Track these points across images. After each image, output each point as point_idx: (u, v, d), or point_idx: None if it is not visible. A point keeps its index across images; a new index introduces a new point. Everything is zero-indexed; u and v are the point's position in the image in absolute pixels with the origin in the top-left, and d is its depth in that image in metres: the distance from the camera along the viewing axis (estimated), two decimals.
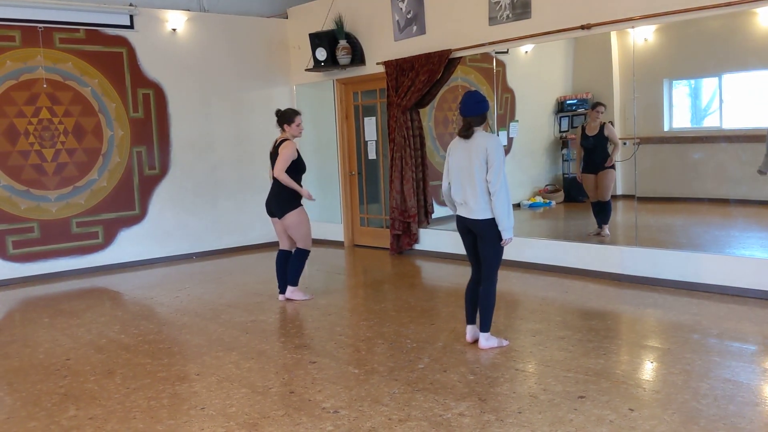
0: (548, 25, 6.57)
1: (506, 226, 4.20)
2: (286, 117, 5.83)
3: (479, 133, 4.24)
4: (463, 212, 4.34)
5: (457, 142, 4.36)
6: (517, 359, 4.21)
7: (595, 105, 7.79)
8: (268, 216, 6.05)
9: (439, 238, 8.05)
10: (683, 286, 5.81)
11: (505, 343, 4.43)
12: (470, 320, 4.55)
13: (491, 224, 4.23)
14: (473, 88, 9.24)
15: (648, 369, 4.05)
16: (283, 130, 5.88)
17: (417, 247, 8.22)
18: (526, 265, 7.05)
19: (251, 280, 7.19)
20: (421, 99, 7.87)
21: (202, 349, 4.73)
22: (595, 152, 7.75)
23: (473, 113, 4.22)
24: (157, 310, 6.16)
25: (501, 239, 4.25)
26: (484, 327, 4.38)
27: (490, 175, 4.15)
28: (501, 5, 6.95)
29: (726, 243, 7.51)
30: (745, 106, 9.54)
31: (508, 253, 7.16)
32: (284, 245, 6.05)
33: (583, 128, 7.91)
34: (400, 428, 3.25)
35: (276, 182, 5.82)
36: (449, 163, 4.39)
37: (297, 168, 5.79)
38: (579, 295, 5.92)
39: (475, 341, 4.47)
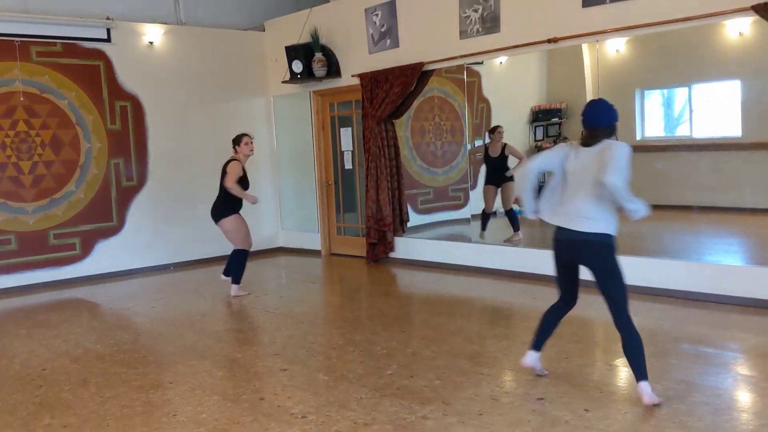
0: (516, 38, 6.76)
1: (631, 206, 3.50)
2: (236, 140, 6.68)
3: (607, 141, 3.62)
4: (570, 225, 3.65)
5: (577, 147, 3.70)
6: (484, 364, 4.35)
7: (494, 129, 8.42)
8: None
9: (415, 247, 8.19)
10: (650, 291, 5.97)
11: (657, 399, 3.54)
12: (536, 346, 3.98)
13: (605, 241, 3.58)
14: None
15: (607, 372, 4.21)
16: (236, 150, 6.63)
17: (393, 255, 8.35)
18: (497, 272, 7.18)
19: (227, 290, 7.26)
20: (395, 110, 8.02)
21: (176, 358, 4.82)
22: (497, 169, 8.32)
23: (601, 124, 3.64)
24: (133, 320, 6.23)
25: (615, 257, 3.59)
26: (641, 375, 3.53)
27: (609, 174, 3.44)
28: (471, 19, 7.13)
29: (693, 249, 7.72)
30: (714, 116, 9.82)
31: (479, 261, 7.37)
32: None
33: (486, 149, 8.37)
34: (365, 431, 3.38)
35: (219, 193, 6.65)
36: (565, 169, 3.73)
37: (241, 183, 6.51)
38: (547, 301, 6.05)
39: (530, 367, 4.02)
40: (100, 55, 8.24)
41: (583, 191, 3.63)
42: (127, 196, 8.48)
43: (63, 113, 7.97)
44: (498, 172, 8.35)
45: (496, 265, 7.26)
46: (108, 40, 8.29)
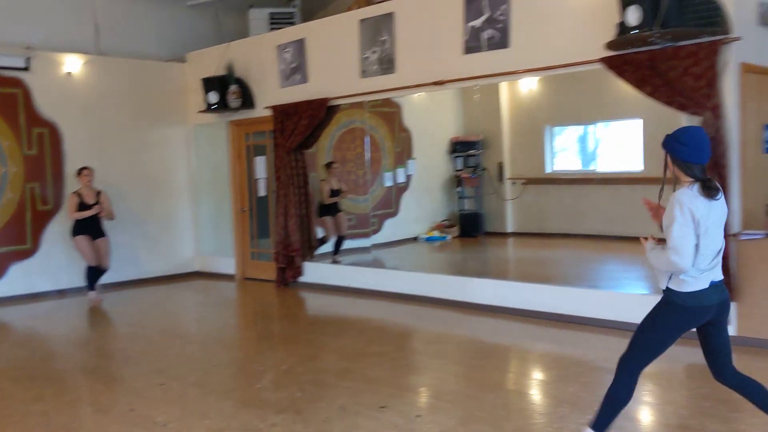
0: (409, 79, 7.31)
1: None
2: (77, 172, 8.09)
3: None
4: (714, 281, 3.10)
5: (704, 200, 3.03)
6: (348, 378, 4.77)
7: (329, 164, 9.10)
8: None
9: (322, 271, 8.60)
10: (549, 317, 6.18)
11: None
12: None
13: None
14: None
15: (449, 383, 4.69)
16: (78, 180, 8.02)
17: (301, 279, 8.73)
18: (394, 296, 7.62)
19: (132, 312, 7.55)
20: (304, 141, 8.47)
21: (64, 374, 5.11)
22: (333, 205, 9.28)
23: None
24: (34, 339, 6.47)
25: (661, 310, 3.17)
26: (594, 423, 3.25)
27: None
28: (370, 60, 7.67)
29: (594, 277, 8.25)
30: (617, 152, 10.60)
31: (378, 285, 7.80)
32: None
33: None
34: None
35: None
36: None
37: (81, 208, 7.92)
38: (431, 322, 6.56)
39: None
40: (18, 83, 8.47)
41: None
42: (42, 219, 8.67)
43: None
44: (332, 206, 9.28)
45: (393, 288, 7.70)
46: (26, 68, 8.55)
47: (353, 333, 6.33)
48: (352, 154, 10.36)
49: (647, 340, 3.15)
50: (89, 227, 8.05)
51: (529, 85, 10.82)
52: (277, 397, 4.42)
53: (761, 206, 5.30)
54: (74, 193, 7.95)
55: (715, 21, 5.07)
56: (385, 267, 9.48)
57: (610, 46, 5.53)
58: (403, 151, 11.40)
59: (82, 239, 7.98)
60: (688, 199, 2.99)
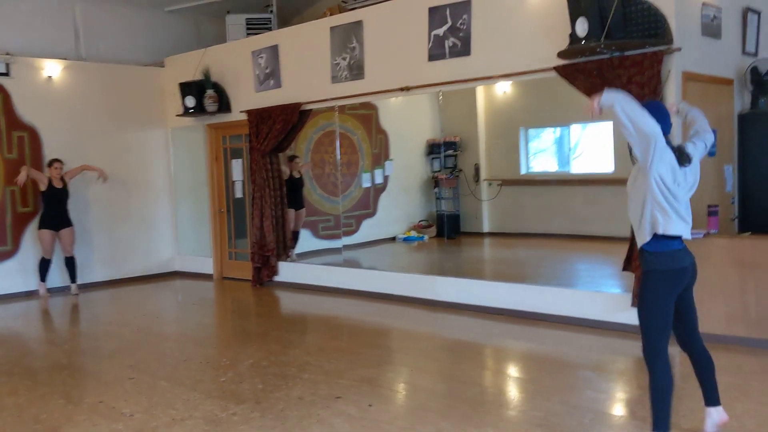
0: (378, 85, 7.57)
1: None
2: (48, 163, 8.67)
3: None
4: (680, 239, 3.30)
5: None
6: (308, 371, 5.02)
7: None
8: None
9: (296, 271, 8.84)
10: (526, 315, 6.39)
11: None
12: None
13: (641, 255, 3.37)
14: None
15: (405, 375, 4.95)
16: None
17: (277, 279, 8.97)
18: (364, 294, 7.87)
19: (110, 311, 7.77)
20: (278, 144, 8.71)
21: (38, 370, 5.34)
22: (297, 191, 9.45)
23: None
24: (11, 338, 6.67)
25: (649, 279, 3.30)
26: (653, 424, 3.26)
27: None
28: (341, 66, 7.92)
29: (561, 275, 8.48)
30: (589, 154, 10.90)
31: (349, 283, 8.04)
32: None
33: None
34: (179, 426, 4.00)
35: None
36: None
37: (46, 197, 8.56)
38: (395, 318, 6.83)
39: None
40: None
41: None
42: (22, 221, 8.86)
43: None
44: (296, 195, 9.46)
45: (363, 287, 7.95)
46: (7, 74, 8.74)
47: (320, 329, 6.58)
48: (330, 157, 10.59)
49: (650, 320, 3.25)
50: (55, 219, 8.63)
51: (504, 88, 11.09)
52: (240, 388, 4.67)
53: (704, 208, 5.58)
54: (47, 176, 8.60)
55: (658, 32, 5.36)
56: (359, 267, 9.73)
57: (562, 55, 5.81)
58: (381, 153, 11.64)
59: (45, 233, 8.53)
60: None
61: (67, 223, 8.71)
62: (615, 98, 3.14)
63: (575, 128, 10.88)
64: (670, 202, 3.21)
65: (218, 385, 4.77)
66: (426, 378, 4.85)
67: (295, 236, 9.56)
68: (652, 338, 3.24)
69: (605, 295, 6.15)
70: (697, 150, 3.41)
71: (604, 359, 5.08)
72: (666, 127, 3.28)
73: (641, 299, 3.31)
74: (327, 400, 4.34)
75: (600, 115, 3.17)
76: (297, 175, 9.51)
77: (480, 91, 11.25)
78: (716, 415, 3.51)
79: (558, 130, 11.13)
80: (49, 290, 8.87)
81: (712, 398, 3.50)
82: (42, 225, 8.55)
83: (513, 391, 4.61)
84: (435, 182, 12.07)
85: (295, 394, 4.50)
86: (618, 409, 4.16)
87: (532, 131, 11.39)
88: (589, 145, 10.98)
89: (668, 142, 3.25)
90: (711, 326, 5.34)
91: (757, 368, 4.73)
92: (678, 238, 3.28)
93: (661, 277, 3.25)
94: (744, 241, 5.34)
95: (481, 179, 11.63)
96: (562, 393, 4.36)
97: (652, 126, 3.13)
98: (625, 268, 5.73)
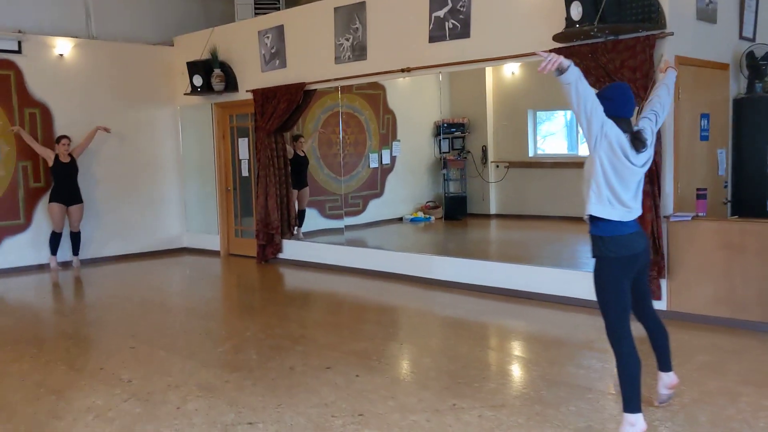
0: (380, 66, 7.68)
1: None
2: (56, 140, 8.96)
3: None
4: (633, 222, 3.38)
5: None
6: (301, 343, 5.21)
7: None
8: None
9: (300, 249, 9.03)
10: (539, 297, 6.72)
11: None
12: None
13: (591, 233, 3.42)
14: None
15: (394, 349, 5.13)
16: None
17: (281, 256, 9.17)
18: (365, 272, 8.04)
19: (117, 284, 8.00)
20: (283, 124, 8.85)
21: (44, 339, 5.57)
22: (301, 170, 9.62)
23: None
24: (22, 308, 6.93)
25: (600, 263, 3.37)
26: (623, 405, 3.31)
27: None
28: (344, 47, 8.03)
29: (560, 257, 8.59)
30: None
31: (350, 261, 8.21)
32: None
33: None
34: (174, 392, 4.20)
35: None
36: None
37: (55, 172, 8.85)
38: (391, 295, 6.99)
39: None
40: (11, 65, 8.87)
41: None
42: (34, 196, 9.11)
43: None
44: (300, 174, 9.62)
45: (363, 265, 8.13)
46: (19, 51, 8.94)
47: (318, 305, 6.77)
48: (337, 137, 10.73)
49: (608, 304, 3.31)
50: (65, 194, 8.87)
51: (512, 70, 11.11)
52: (236, 358, 4.87)
53: (694, 191, 5.66)
54: (55, 153, 8.90)
55: (651, 17, 5.41)
56: (363, 246, 9.88)
57: (557, 38, 5.88)
58: (388, 133, 11.72)
59: (54, 206, 8.82)
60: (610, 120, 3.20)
61: (77, 199, 8.97)
62: (577, 77, 3.10)
63: None
64: (611, 187, 3.25)
65: (215, 355, 4.97)
66: (414, 352, 5.02)
67: (301, 215, 9.73)
68: (614, 321, 3.30)
69: None
70: (651, 126, 3.46)
71: (590, 337, 5.21)
72: (628, 109, 3.35)
73: (597, 285, 3.35)
74: (317, 371, 4.52)
75: (545, 73, 3.09)
76: (302, 154, 9.64)
77: (489, 72, 11.28)
78: (667, 378, 3.67)
79: (569, 113, 11.16)
80: (60, 264, 9.13)
81: (665, 364, 3.65)
82: (52, 198, 8.81)
83: (495, 365, 4.77)
84: (443, 163, 12.15)
85: (287, 364, 4.69)
86: (596, 384, 4.30)
87: (541, 114, 11.42)
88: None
89: (628, 125, 3.31)
90: (697, 307, 5.48)
91: (738, 348, 4.84)
92: (630, 221, 3.33)
93: (612, 263, 3.29)
94: (732, 225, 5.43)
95: (489, 161, 11.71)
96: (544, 368, 4.51)
97: (599, 114, 3.16)
98: None
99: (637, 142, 3.29)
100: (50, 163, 8.81)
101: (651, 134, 3.44)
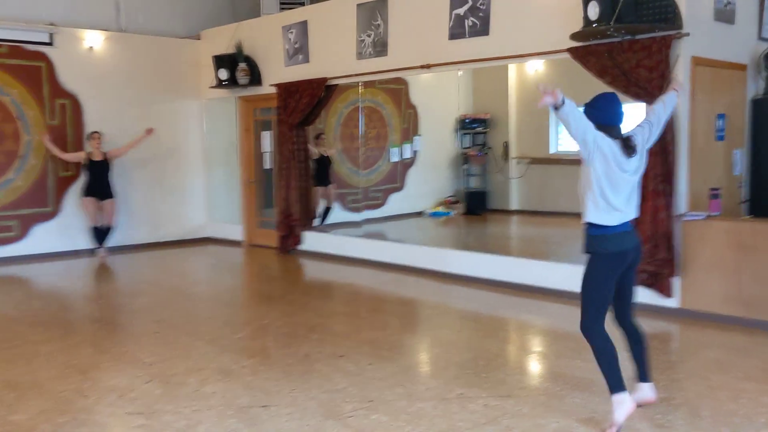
0: (401, 62, 7.80)
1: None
2: (87, 136, 9.17)
3: None
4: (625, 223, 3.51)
5: None
6: (317, 332, 5.37)
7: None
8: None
9: (320, 240, 9.20)
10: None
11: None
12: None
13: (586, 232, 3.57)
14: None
15: (407, 340, 5.27)
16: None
17: (301, 247, 9.35)
18: (383, 265, 8.17)
19: (143, 271, 8.25)
20: (305, 118, 9.02)
21: (73, 322, 5.83)
22: (325, 169, 9.78)
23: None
24: (52, 293, 7.20)
25: (592, 257, 3.52)
26: (609, 387, 3.49)
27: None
28: (365, 43, 8.16)
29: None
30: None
31: (369, 254, 8.36)
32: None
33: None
34: (195, 376, 4.39)
35: None
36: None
37: (90, 168, 8.99)
38: (411, 289, 7.13)
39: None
40: (43, 57, 9.15)
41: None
42: (63, 184, 9.39)
43: (5, 108, 8.87)
44: (322, 171, 9.74)
45: (381, 258, 8.26)
46: (50, 44, 9.21)
47: (335, 295, 6.94)
48: (358, 132, 10.88)
49: (590, 298, 3.46)
50: (97, 189, 9.01)
51: (536, 67, 11.13)
52: (253, 344, 5.05)
53: (708, 190, 5.71)
54: (86, 152, 9.04)
55: (668, 17, 5.47)
56: (382, 239, 10.02)
57: (574, 37, 5.95)
58: (410, 128, 11.82)
59: (88, 201, 8.96)
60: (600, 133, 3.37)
61: (109, 194, 9.12)
62: (571, 110, 3.27)
63: None
64: (605, 196, 3.42)
65: (234, 341, 5.16)
66: (425, 342, 5.17)
67: (327, 212, 9.93)
68: (591, 316, 3.45)
69: None
70: (642, 133, 3.60)
71: None
72: (617, 118, 3.49)
73: (584, 278, 3.50)
74: (330, 358, 4.68)
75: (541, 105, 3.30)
76: (326, 154, 9.87)
77: (511, 69, 11.33)
78: (641, 392, 3.66)
79: None
80: (84, 251, 9.35)
81: (643, 373, 3.68)
82: (85, 193, 9.01)
83: (504, 357, 4.89)
84: (465, 159, 12.22)
85: (302, 351, 4.86)
86: (601, 377, 4.39)
87: None
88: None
89: (617, 132, 3.47)
90: (709, 306, 5.54)
91: (746, 346, 4.91)
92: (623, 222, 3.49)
93: (602, 259, 3.45)
94: (744, 225, 5.47)
95: (510, 157, 11.76)
96: (551, 360, 4.63)
97: (591, 132, 3.34)
98: None
99: (627, 147, 3.45)
100: (82, 163, 9.00)
101: (642, 141, 3.58)
